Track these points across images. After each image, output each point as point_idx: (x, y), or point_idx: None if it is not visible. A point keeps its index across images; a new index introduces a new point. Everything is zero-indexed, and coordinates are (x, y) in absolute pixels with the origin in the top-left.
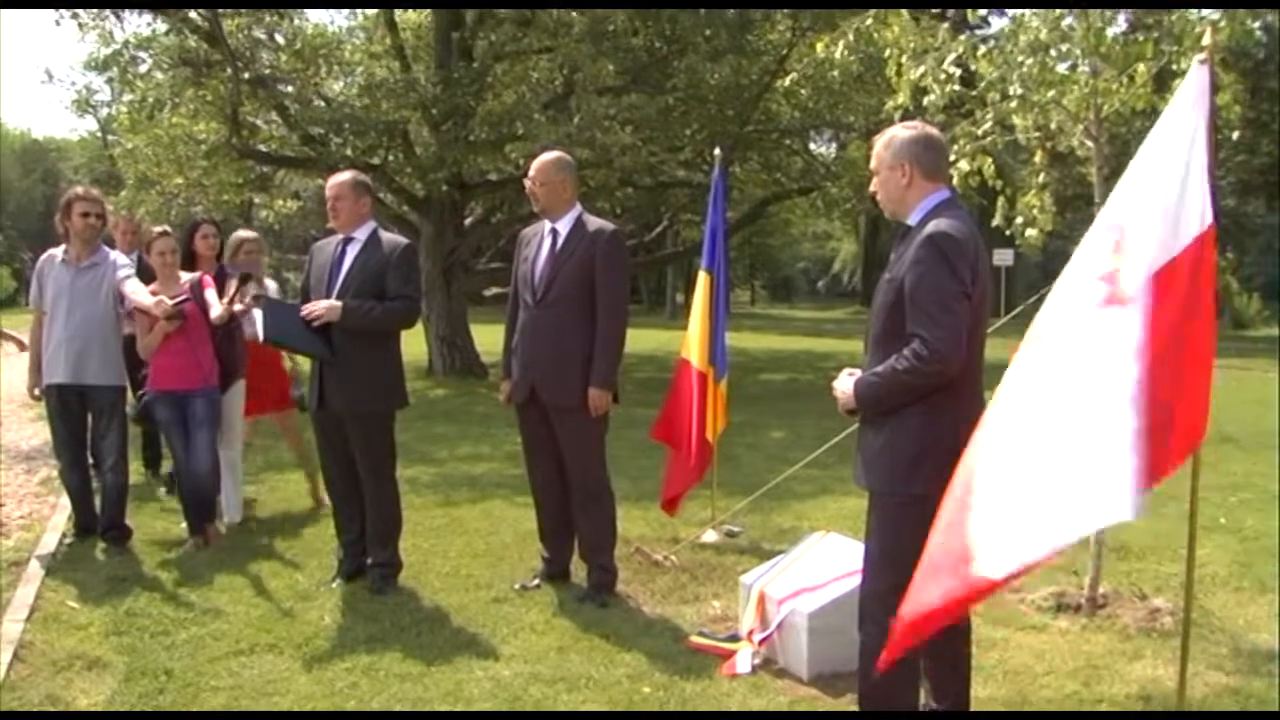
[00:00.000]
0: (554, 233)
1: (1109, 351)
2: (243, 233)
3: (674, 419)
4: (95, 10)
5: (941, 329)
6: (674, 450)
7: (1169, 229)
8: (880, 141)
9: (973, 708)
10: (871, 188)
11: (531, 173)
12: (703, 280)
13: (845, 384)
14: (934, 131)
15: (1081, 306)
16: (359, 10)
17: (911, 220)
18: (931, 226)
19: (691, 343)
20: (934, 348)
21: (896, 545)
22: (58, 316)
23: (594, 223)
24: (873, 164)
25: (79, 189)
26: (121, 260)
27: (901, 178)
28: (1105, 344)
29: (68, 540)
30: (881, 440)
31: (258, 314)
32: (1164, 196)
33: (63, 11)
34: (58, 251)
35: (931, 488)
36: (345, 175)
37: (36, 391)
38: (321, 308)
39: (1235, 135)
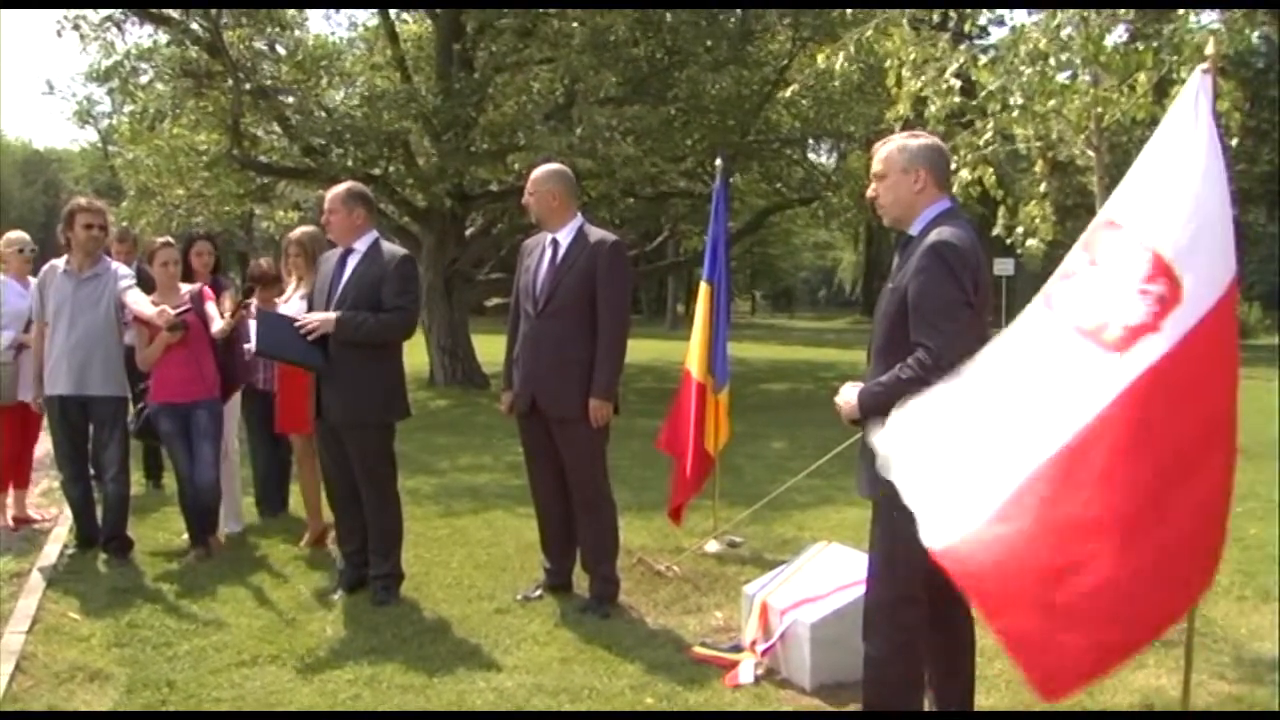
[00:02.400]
0: (555, 243)
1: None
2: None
3: (676, 429)
4: (97, 20)
5: (945, 338)
6: (677, 460)
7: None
8: (892, 144)
9: None
10: (871, 193)
11: (527, 184)
12: (703, 291)
13: (849, 394)
14: (941, 143)
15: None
16: (360, 21)
17: (913, 229)
18: (934, 235)
19: (692, 353)
20: (938, 357)
21: (901, 556)
22: (59, 328)
23: (595, 233)
24: (878, 168)
25: (82, 200)
26: (123, 271)
27: (915, 183)
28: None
29: (69, 551)
30: None
31: (252, 325)
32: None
33: (64, 22)
34: (59, 262)
35: None
36: (338, 188)
37: (39, 402)
38: (316, 320)
39: (1235, 143)
